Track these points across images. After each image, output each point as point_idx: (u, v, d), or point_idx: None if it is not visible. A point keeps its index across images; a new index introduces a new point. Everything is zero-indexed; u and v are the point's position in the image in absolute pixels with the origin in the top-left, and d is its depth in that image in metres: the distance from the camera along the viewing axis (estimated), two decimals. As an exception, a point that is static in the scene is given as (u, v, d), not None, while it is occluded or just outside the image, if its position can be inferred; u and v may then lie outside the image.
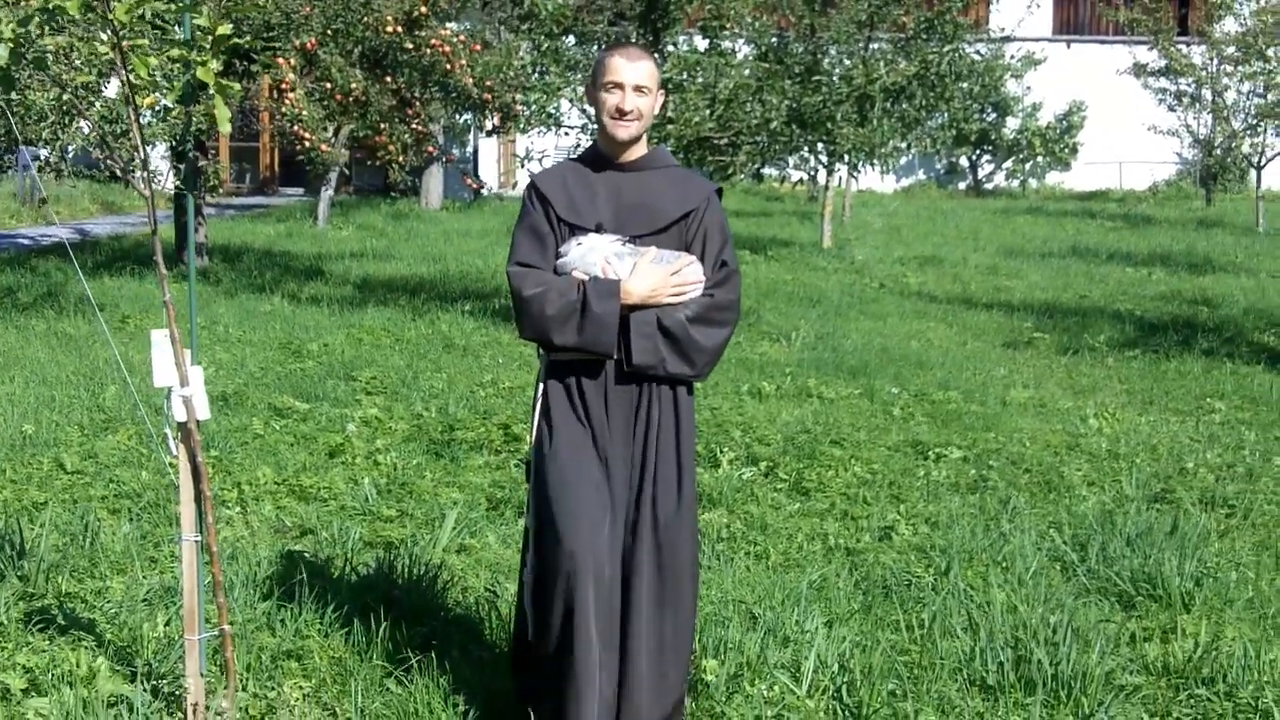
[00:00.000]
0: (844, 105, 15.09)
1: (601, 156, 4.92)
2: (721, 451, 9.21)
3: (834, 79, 16.34)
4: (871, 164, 19.74)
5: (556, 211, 4.82)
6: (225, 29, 4.30)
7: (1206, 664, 5.74)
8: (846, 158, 18.91)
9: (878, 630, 6.12)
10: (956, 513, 8.07)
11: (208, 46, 4.35)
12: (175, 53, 4.42)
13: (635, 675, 4.75)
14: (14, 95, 11.55)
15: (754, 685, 5.48)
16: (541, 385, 4.85)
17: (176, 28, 4.55)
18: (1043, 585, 6.74)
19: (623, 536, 4.76)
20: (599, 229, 4.79)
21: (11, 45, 4.31)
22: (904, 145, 22.70)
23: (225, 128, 4.61)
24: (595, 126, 4.98)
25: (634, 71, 4.74)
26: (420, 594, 6.44)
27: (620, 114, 4.75)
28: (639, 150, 4.90)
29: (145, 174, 4.89)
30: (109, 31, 4.28)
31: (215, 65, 4.37)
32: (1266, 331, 15.55)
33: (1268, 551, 7.49)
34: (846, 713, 5.37)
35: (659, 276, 4.69)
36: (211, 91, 4.42)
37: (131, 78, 4.35)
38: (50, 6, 4.12)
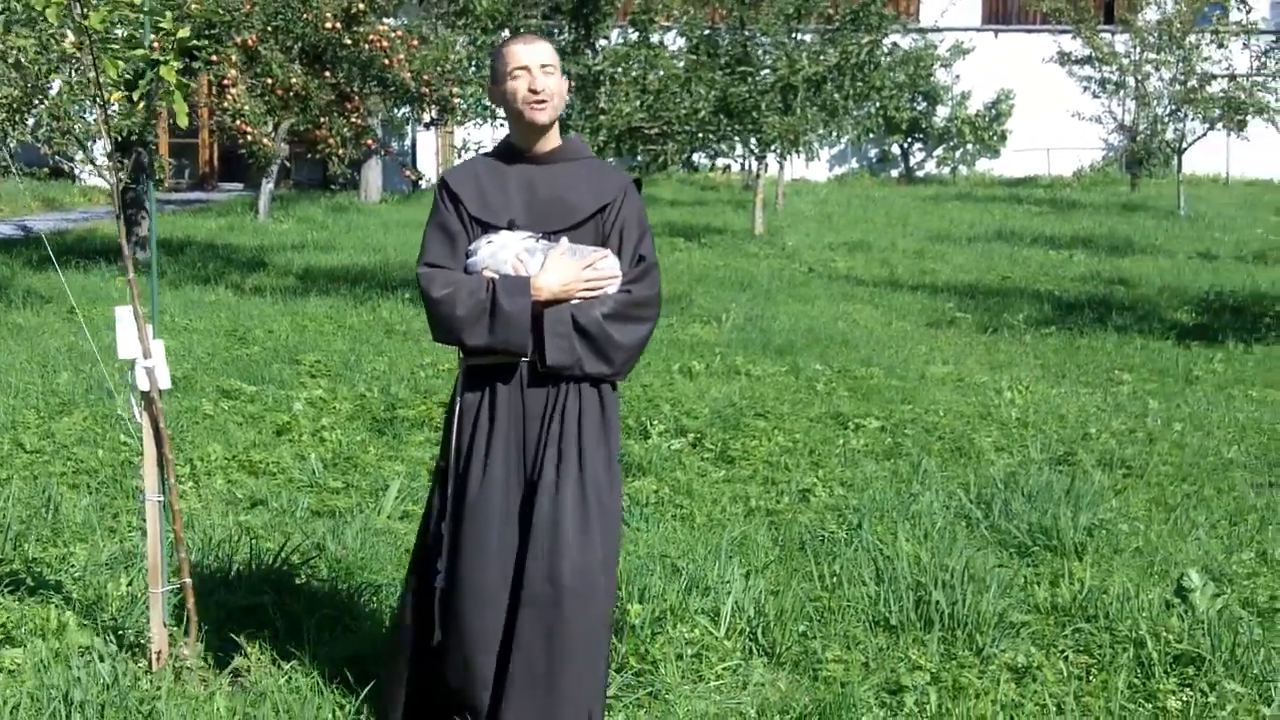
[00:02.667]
0: (768, 95, 15.60)
1: (514, 150, 4.74)
2: (651, 424, 9.68)
3: (759, 70, 16.85)
4: (796, 152, 20.24)
5: (468, 209, 4.67)
6: (185, 32, 4.74)
7: (1091, 603, 6.27)
8: (773, 146, 19.41)
9: (792, 579, 6.61)
10: (871, 476, 8.58)
11: (171, 48, 4.79)
12: (140, 53, 4.86)
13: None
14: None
15: (675, 628, 5.95)
16: (457, 397, 4.72)
17: (138, 29, 4.97)
18: (947, 539, 7.24)
19: (518, 542, 4.60)
20: (511, 225, 4.63)
21: (-13, 47, 4.74)
22: (827, 133, 23.24)
23: (184, 121, 5.04)
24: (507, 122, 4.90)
25: (536, 52, 4.61)
26: (365, 554, 6.89)
27: (534, 94, 4.57)
28: (553, 141, 4.73)
29: (110, 164, 5.31)
30: (83, 35, 4.71)
31: (177, 64, 4.81)
32: (1179, 309, 16.18)
33: (1159, 507, 8.04)
34: (761, 651, 5.87)
35: (571, 270, 4.54)
36: (171, 88, 4.86)
37: (102, 78, 4.79)
38: (31, 13, 4.55)
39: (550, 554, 4.54)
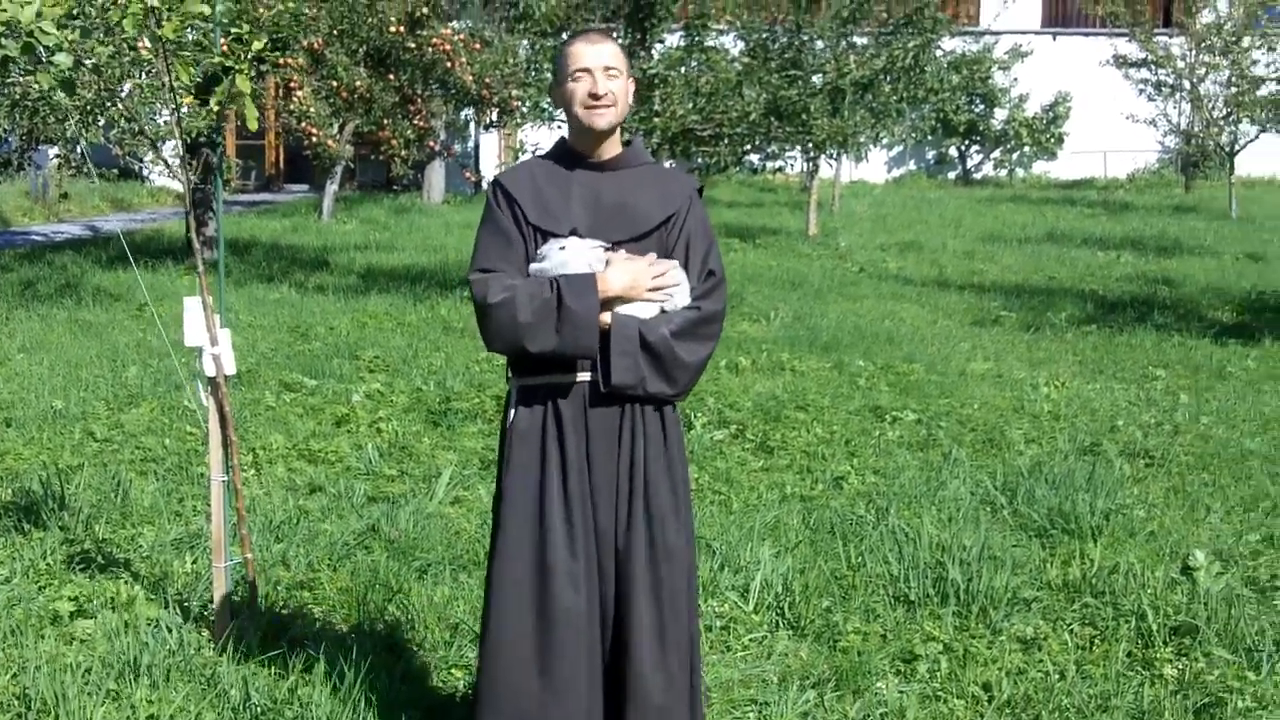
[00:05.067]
0: (817, 98, 15.94)
1: (573, 154, 4.45)
2: (695, 416, 10.05)
3: (810, 73, 17.20)
4: (845, 153, 20.56)
5: (526, 214, 4.36)
6: (260, 42, 5.16)
7: (1100, 580, 6.62)
8: (823, 147, 19.73)
9: (819, 558, 6.97)
10: (903, 465, 8.93)
11: (244, 57, 5.20)
12: (215, 60, 5.28)
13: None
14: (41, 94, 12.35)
15: (707, 603, 6.34)
16: (511, 414, 4.43)
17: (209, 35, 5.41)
18: (970, 523, 7.60)
19: (609, 568, 4.37)
20: (574, 234, 4.33)
21: (73, 55, 5.16)
22: (874, 135, 23.57)
23: (254, 126, 5.45)
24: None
25: (600, 54, 4.29)
26: (418, 536, 7.30)
27: (595, 99, 4.29)
28: (614, 147, 4.45)
29: (181, 162, 5.72)
30: (157, 44, 5.14)
31: (250, 73, 5.23)
32: (1221, 308, 16.44)
33: (1177, 494, 8.36)
34: (786, 624, 6.25)
35: (638, 268, 4.28)
36: (244, 94, 5.28)
37: (175, 82, 5.22)
38: (109, 23, 4.99)
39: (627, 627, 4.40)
